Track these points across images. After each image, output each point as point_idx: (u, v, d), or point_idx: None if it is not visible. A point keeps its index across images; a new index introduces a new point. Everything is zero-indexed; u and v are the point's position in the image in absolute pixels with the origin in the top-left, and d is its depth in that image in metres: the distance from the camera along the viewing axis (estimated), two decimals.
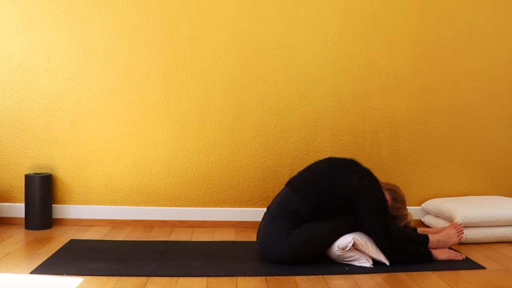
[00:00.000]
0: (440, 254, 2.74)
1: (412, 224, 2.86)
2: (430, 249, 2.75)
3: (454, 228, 2.88)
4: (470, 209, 3.13)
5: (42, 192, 3.29)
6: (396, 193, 2.78)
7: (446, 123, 3.61)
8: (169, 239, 3.15)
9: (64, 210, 3.44)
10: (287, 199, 2.70)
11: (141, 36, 3.41)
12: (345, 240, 2.59)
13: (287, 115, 3.49)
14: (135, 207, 3.47)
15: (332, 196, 2.66)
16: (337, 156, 2.99)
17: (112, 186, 3.45)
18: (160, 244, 3.02)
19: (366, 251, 2.62)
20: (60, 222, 3.43)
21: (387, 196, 2.73)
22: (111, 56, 3.41)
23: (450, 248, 2.86)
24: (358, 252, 2.62)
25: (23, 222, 3.33)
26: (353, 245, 2.59)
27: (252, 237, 3.13)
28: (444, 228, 2.93)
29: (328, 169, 2.74)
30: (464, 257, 2.77)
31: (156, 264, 2.61)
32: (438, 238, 2.82)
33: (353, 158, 2.81)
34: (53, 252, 2.78)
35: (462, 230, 2.88)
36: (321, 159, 2.88)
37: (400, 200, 2.77)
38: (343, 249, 2.59)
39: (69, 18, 3.38)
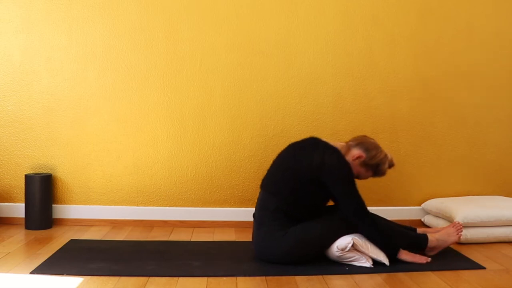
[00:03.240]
0: (405, 255, 2.69)
1: (395, 163, 2.80)
2: (399, 247, 2.68)
3: (453, 227, 2.88)
4: (470, 209, 3.13)
5: (42, 192, 3.29)
6: (365, 143, 2.74)
7: (446, 123, 3.61)
8: (169, 239, 3.15)
9: (64, 210, 3.44)
10: (264, 200, 2.72)
11: (141, 36, 3.41)
12: (345, 241, 2.59)
13: (287, 115, 3.49)
14: (135, 207, 3.47)
15: (301, 182, 2.64)
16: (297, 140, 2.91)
17: (112, 186, 3.45)
18: (160, 244, 3.02)
19: (366, 251, 2.62)
20: (60, 222, 3.43)
21: (359, 151, 2.70)
22: (111, 56, 3.41)
23: (449, 247, 2.87)
24: (357, 253, 2.62)
25: (23, 222, 3.33)
26: (352, 245, 2.59)
27: None
28: (443, 228, 2.93)
29: (289, 155, 2.74)
30: (429, 260, 2.70)
31: (156, 264, 2.61)
32: (438, 237, 2.82)
33: (312, 136, 2.79)
34: (53, 252, 2.78)
35: (461, 229, 2.88)
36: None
37: (372, 147, 2.73)
38: (342, 250, 2.59)
39: (69, 18, 3.38)
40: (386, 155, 2.75)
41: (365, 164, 2.72)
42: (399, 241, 2.73)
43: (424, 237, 2.79)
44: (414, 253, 2.71)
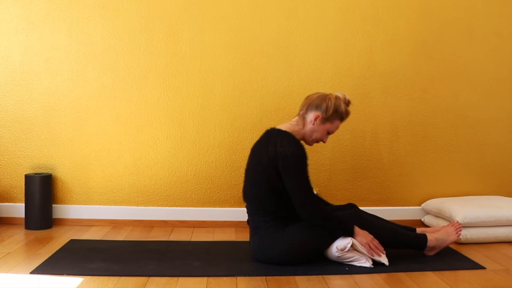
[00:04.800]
0: (361, 236, 2.60)
1: (349, 99, 2.74)
2: (353, 227, 2.60)
3: (453, 226, 2.88)
4: (470, 209, 3.13)
5: (42, 192, 3.29)
6: (312, 102, 2.68)
7: (446, 123, 3.61)
8: (169, 239, 3.15)
9: (64, 210, 3.44)
10: (250, 211, 2.72)
11: (141, 36, 3.41)
12: (344, 241, 2.59)
13: (287, 115, 3.49)
14: (135, 207, 3.47)
15: (272, 180, 2.59)
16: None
17: (112, 186, 3.45)
18: (160, 244, 3.02)
19: (365, 251, 2.62)
20: (60, 222, 3.43)
21: (312, 112, 2.66)
22: (111, 56, 3.41)
23: (448, 247, 2.86)
24: (357, 253, 2.62)
25: (23, 222, 3.34)
26: (351, 246, 2.58)
27: None
28: (442, 227, 2.93)
29: (252, 160, 2.72)
30: (381, 255, 2.61)
31: (156, 264, 2.61)
32: (437, 237, 2.81)
33: (269, 128, 2.74)
34: (53, 252, 2.78)
35: (460, 228, 2.88)
36: None
37: (320, 101, 2.67)
38: (342, 250, 2.59)
39: (69, 18, 3.38)
40: (336, 97, 2.70)
41: (325, 119, 2.67)
42: (398, 239, 2.73)
43: (424, 237, 2.78)
44: (366, 233, 2.61)
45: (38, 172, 3.41)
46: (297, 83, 3.49)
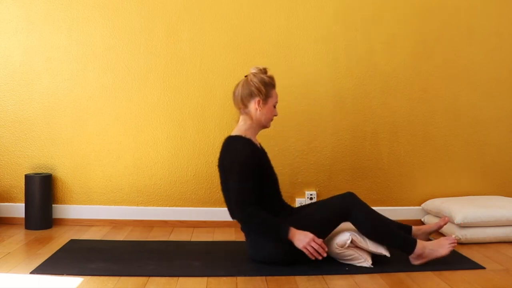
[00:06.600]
0: (298, 235, 2.52)
1: (261, 66, 2.74)
2: (287, 229, 2.52)
3: (447, 240, 2.68)
4: (470, 209, 3.13)
5: (42, 192, 3.29)
6: (243, 95, 2.68)
7: (446, 123, 3.61)
8: (169, 239, 3.15)
9: (64, 210, 3.44)
10: (237, 219, 2.69)
11: (141, 36, 3.41)
12: (343, 237, 2.59)
13: (287, 115, 3.49)
14: (135, 207, 3.47)
15: None
16: None
17: (112, 186, 3.45)
18: (160, 244, 3.02)
19: (365, 247, 2.61)
20: (60, 222, 3.43)
21: (251, 101, 2.67)
22: (111, 56, 3.41)
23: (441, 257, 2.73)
24: (357, 251, 2.62)
25: (23, 222, 3.34)
26: (351, 242, 2.58)
27: None
28: (435, 224, 2.90)
29: (221, 175, 2.76)
30: (324, 255, 2.53)
31: (156, 264, 2.62)
32: (427, 245, 2.64)
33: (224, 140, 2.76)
34: (53, 252, 2.78)
35: (455, 243, 2.68)
36: None
37: (247, 89, 2.67)
38: (341, 246, 2.59)
39: (69, 18, 3.38)
40: (254, 74, 2.69)
41: (265, 98, 2.67)
42: (389, 232, 2.64)
43: (413, 241, 2.64)
44: (309, 242, 2.53)
45: (38, 172, 3.41)
46: (297, 83, 3.49)
